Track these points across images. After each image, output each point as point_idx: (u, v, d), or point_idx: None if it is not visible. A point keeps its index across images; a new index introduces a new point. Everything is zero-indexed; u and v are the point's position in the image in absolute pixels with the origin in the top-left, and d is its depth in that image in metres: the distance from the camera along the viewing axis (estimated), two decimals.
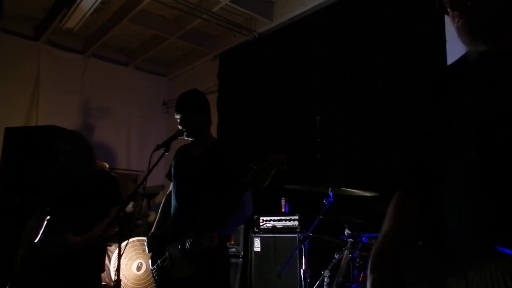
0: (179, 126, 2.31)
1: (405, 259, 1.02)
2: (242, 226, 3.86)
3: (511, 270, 0.72)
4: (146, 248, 2.35)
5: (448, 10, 0.96)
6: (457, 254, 0.88)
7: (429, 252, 0.98)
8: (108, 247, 3.91)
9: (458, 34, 0.96)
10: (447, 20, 1.00)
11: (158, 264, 2.23)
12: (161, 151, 2.19)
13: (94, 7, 4.52)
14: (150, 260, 2.32)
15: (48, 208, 2.65)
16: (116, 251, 2.01)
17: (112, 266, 4.11)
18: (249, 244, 3.76)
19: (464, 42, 0.96)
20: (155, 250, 2.30)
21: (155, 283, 2.28)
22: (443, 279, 0.87)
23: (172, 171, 2.45)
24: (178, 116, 2.32)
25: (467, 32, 0.94)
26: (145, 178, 2.15)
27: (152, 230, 2.41)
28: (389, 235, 1.08)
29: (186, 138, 2.35)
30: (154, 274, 2.27)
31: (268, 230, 3.66)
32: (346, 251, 2.67)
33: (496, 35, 0.93)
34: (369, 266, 1.07)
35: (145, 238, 2.38)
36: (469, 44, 0.96)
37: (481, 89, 0.94)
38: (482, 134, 0.92)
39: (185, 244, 2.06)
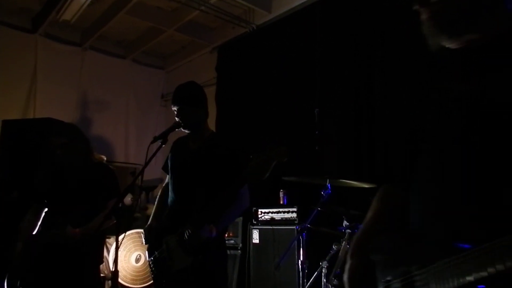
0: (176, 118, 2.30)
1: (379, 246, 1.08)
2: (241, 218, 3.87)
3: (470, 267, 0.76)
4: (143, 240, 2.35)
5: (416, 7, 1.01)
6: (422, 246, 0.93)
7: (397, 241, 1.02)
8: (107, 239, 3.91)
9: (424, 28, 1.01)
10: None
11: (155, 255, 2.23)
12: (159, 143, 2.19)
13: None
14: (147, 252, 2.33)
15: (46, 201, 2.65)
16: (115, 243, 2.01)
17: (110, 258, 4.12)
18: (247, 236, 3.77)
19: (429, 35, 1.01)
20: (152, 242, 2.30)
21: (152, 274, 2.28)
22: (408, 268, 0.92)
23: (169, 164, 2.45)
24: (175, 108, 2.31)
25: (431, 25, 0.99)
26: (142, 170, 2.15)
27: (149, 222, 2.41)
28: (369, 225, 1.18)
29: (183, 130, 2.34)
30: (151, 266, 2.27)
31: (266, 222, 3.67)
32: (344, 242, 2.70)
33: (459, 30, 0.97)
34: (349, 251, 1.17)
35: (143, 230, 2.38)
36: (433, 37, 1.01)
37: (450, 84, 0.99)
38: (443, 128, 0.96)
39: (184, 236, 2.06)
